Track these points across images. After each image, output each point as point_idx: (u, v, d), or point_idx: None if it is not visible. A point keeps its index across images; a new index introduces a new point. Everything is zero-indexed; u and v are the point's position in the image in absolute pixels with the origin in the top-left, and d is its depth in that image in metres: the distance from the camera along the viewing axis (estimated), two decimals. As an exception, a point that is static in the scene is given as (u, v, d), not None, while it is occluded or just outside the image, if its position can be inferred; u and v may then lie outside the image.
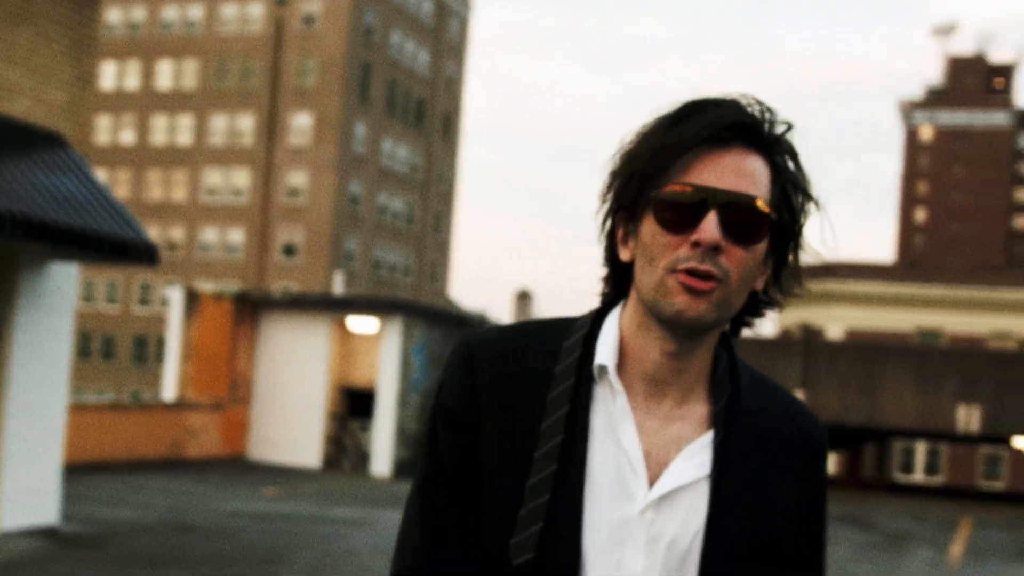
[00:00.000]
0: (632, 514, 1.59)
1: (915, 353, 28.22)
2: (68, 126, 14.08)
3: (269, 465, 25.66)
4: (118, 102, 73.69)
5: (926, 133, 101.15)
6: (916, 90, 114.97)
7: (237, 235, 71.69)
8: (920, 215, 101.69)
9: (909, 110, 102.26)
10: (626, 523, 1.59)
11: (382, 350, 25.44)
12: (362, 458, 27.47)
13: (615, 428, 1.62)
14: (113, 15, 73.68)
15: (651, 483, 1.61)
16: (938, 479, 54.79)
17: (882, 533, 21.00)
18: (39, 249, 12.98)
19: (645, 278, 1.59)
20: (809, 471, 1.68)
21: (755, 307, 1.68)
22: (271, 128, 71.23)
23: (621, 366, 1.65)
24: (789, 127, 1.63)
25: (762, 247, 1.58)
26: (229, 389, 25.77)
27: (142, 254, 13.54)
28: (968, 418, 26.30)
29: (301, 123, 70.99)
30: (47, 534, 13.71)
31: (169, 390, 24.55)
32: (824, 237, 1.67)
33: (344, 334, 26.73)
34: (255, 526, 16.08)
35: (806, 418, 1.71)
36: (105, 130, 73.45)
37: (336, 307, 26.68)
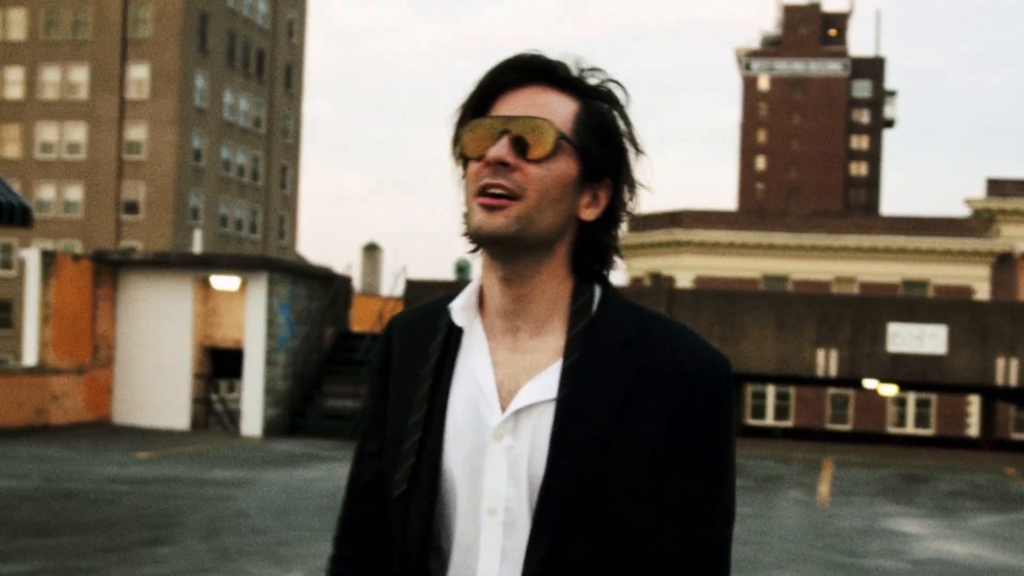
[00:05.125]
0: (488, 440, 1.76)
1: (775, 299, 28.93)
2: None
3: (136, 428, 25.13)
4: (-56, 55, 70.70)
5: (763, 82, 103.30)
6: (753, 38, 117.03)
7: (75, 192, 69.66)
8: (760, 163, 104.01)
9: (746, 59, 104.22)
10: (484, 449, 1.76)
11: (248, 308, 25.06)
12: (231, 419, 27.12)
13: (472, 365, 1.80)
14: (-64, -36, 70.50)
15: (505, 411, 1.76)
16: (787, 423, 56.49)
17: (751, 476, 21.59)
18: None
19: (466, 213, 1.79)
20: (685, 403, 1.75)
21: (594, 239, 1.82)
22: (106, 81, 69.16)
23: (483, 309, 1.84)
24: (607, 80, 1.83)
25: (563, 168, 1.76)
26: (92, 352, 25.12)
27: (16, 216, 13.10)
28: (827, 362, 27.16)
29: (138, 75, 69.12)
30: (-75, 508, 13.26)
31: (30, 355, 23.81)
32: (648, 182, 1.86)
33: (207, 293, 26.24)
34: (137, 490, 15.77)
35: (692, 353, 1.79)
36: (-69, 85, 70.46)
37: (198, 265, 26.14)
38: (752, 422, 53.36)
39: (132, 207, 68.41)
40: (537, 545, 1.71)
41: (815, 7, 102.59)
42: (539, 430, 1.74)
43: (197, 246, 32.98)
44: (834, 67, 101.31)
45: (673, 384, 1.75)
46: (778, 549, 13.49)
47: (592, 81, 1.83)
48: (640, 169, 1.86)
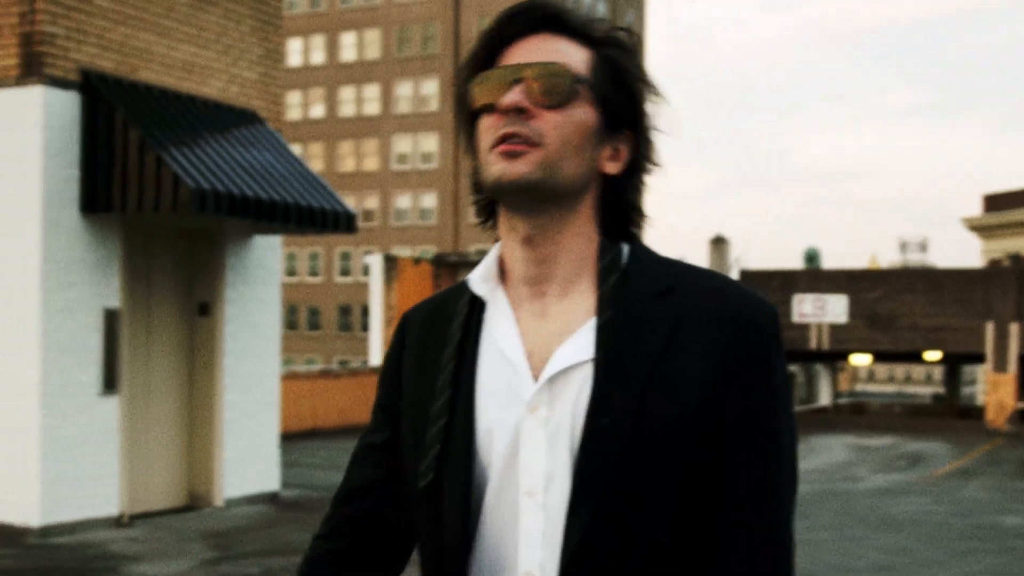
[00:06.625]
0: (522, 415, 1.61)
1: None
2: (261, 103, 14.40)
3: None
4: (306, 77, 75.38)
5: None
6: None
7: (430, 200, 72.70)
8: None
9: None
10: (518, 425, 1.61)
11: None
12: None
13: (496, 337, 1.67)
14: (296, -7, 75.38)
15: (538, 381, 1.62)
16: None
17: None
18: (243, 224, 13.34)
19: (481, 169, 1.66)
20: (732, 347, 1.59)
21: (619, 194, 1.70)
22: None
23: (505, 279, 1.71)
24: (620, 30, 1.71)
25: (582, 116, 1.63)
26: (432, 351, 26.20)
27: (340, 223, 13.77)
28: None
29: (484, 84, 71.47)
30: (269, 499, 14.16)
31: (376, 355, 25.05)
32: (670, 130, 1.73)
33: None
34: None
35: (735, 298, 1.63)
36: (296, 106, 75.24)
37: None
38: None
39: (482, 211, 70.88)
40: (576, 516, 1.55)
41: None
42: (580, 396, 1.59)
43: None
44: None
45: (717, 329, 1.60)
46: None
47: (600, 29, 1.71)
48: (660, 119, 1.72)
